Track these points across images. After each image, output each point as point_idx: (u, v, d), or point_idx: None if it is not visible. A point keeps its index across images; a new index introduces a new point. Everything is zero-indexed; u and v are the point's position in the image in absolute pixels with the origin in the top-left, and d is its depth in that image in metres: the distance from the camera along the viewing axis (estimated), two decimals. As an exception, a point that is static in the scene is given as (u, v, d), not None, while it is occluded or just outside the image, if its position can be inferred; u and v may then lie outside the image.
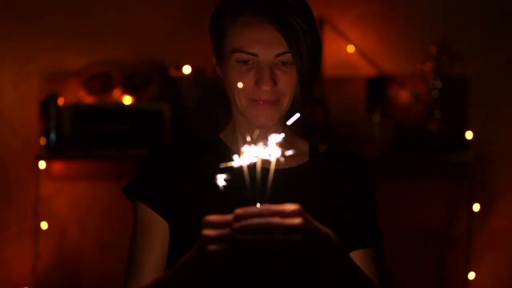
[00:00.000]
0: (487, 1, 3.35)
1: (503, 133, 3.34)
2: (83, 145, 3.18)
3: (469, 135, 3.25)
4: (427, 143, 3.21)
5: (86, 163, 3.38)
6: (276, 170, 1.26)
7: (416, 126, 3.28)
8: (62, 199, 3.37)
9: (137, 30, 3.38)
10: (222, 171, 1.27)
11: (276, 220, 1.20)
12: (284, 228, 1.20)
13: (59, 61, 3.34)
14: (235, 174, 1.26)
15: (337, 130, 3.23)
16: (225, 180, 1.27)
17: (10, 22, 3.34)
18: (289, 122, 1.45)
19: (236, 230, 1.20)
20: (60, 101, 3.19)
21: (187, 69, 3.26)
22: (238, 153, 1.26)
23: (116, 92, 3.29)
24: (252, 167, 1.25)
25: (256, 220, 1.19)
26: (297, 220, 1.21)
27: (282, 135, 1.26)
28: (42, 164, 3.25)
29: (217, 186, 1.27)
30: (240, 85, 1.54)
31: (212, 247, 1.23)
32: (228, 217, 1.22)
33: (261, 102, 1.55)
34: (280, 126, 1.61)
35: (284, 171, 1.58)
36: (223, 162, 1.28)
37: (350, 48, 3.33)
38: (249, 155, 1.25)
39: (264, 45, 1.54)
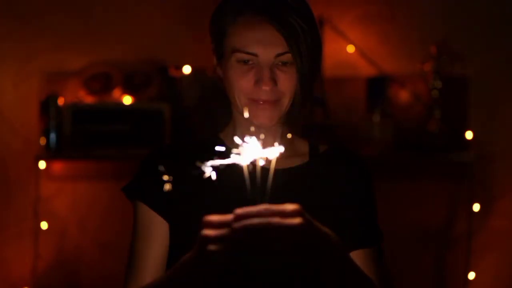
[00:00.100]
0: (487, 1, 3.35)
1: (503, 133, 3.34)
2: (83, 145, 3.17)
3: (469, 135, 3.25)
4: (427, 143, 3.21)
5: (86, 163, 3.38)
6: (276, 170, 1.26)
7: (416, 126, 3.28)
8: (62, 199, 3.36)
9: (137, 30, 3.38)
10: (222, 170, 1.27)
11: (276, 220, 1.20)
12: (284, 228, 1.20)
13: (59, 61, 3.34)
14: (235, 174, 1.26)
15: (337, 130, 3.23)
16: (218, 175, 1.26)
17: (10, 22, 3.34)
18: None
19: (236, 230, 1.20)
20: (60, 101, 3.19)
21: (187, 69, 3.26)
22: (238, 153, 1.26)
23: (116, 92, 3.29)
24: (252, 167, 1.25)
25: (256, 220, 1.19)
26: (297, 220, 1.21)
27: (282, 148, 1.26)
28: (42, 164, 3.24)
29: (217, 186, 1.27)
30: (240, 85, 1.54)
31: (212, 247, 1.23)
32: (228, 217, 1.22)
33: (261, 102, 1.55)
34: (280, 126, 1.61)
35: (284, 171, 1.58)
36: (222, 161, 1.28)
37: (350, 48, 3.33)
38: (249, 155, 1.25)
39: (264, 45, 1.54)
